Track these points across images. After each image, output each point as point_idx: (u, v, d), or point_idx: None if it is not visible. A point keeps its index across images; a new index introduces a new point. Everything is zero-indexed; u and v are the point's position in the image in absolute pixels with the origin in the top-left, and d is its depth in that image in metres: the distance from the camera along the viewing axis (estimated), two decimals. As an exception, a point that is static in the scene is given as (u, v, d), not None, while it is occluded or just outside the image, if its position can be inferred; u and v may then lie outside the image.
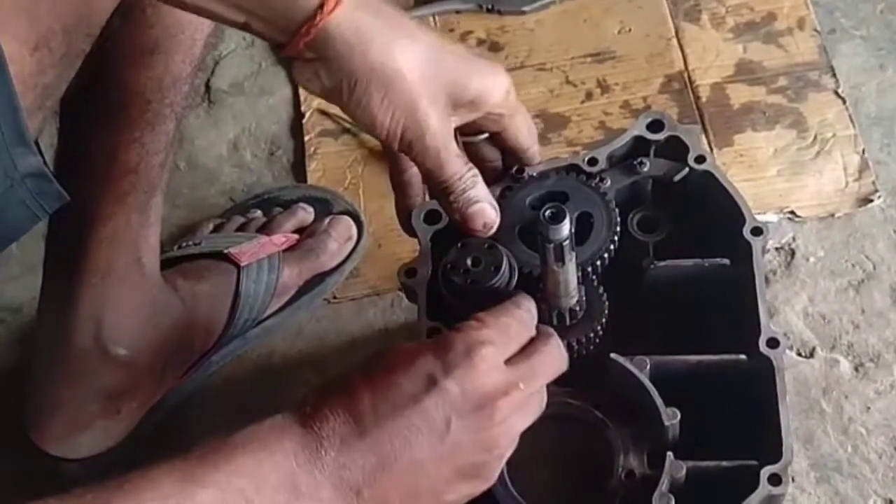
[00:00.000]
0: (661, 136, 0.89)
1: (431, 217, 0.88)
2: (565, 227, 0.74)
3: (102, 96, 0.99)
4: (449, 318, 0.84)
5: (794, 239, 1.20)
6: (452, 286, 0.82)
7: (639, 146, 0.91)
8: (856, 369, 1.13)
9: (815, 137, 1.26)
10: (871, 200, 1.21)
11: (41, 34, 0.71)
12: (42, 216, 0.82)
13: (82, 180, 1.00)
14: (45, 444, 1.11)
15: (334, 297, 1.23)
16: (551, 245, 0.74)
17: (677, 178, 0.88)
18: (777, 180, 1.24)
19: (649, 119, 0.90)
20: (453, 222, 0.83)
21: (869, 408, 1.10)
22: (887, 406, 1.10)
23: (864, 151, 1.24)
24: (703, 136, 1.26)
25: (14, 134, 0.76)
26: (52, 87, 0.76)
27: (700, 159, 0.88)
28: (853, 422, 1.10)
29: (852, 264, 1.19)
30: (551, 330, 0.77)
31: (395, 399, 0.70)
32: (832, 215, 1.21)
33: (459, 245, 0.82)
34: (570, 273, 0.78)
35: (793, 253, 1.20)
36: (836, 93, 1.29)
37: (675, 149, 0.89)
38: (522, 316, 0.77)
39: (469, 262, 0.82)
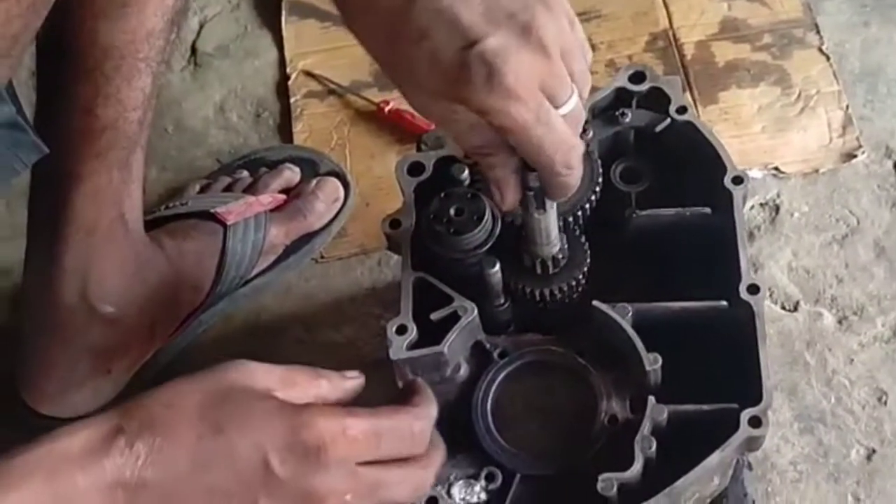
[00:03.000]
0: (643, 88, 0.90)
1: (415, 168, 0.88)
2: (546, 174, 0.74)
3: (77, 52, 0.99)
4: (432, 268, 0.85)
5: (778, 195, 1.21)
6: (436, 235, 0.83)
7: (621, 98, 0.91)
8: (839, 322, 1.14)
9: (799, 94, 1.26)
10: (855, 156, 1.22)
11: None
12: (21, 168, 0.82)
13: (62, 137, 1.00)
14: (37, 404, 1.12)
15: (322, 257, 1.24)
16: (531, 192, 0.75)
17: (659, 128, 0.89)
18: (761, 137, 1.24)
19: (631, 71, 0.91)
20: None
21: (852, 360, 1.11)
22: (870, 358, 1.11)
23: (847, 108, 1.25)
24: (688, 93, 1.26)
25: None
26: (19, 36, 0.75)
27: (681, 110, 0.89)
28: (836, 374, 1.11)
29: (836, 219, 1.19)
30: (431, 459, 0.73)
31: (221, 462, 0.67)
32: (816, 171, 1.22)
33: (442, 195, 0.83)
34: (551, 221, 0.78)
35: (777, 208, 1.20)
36: (821, 50, 1.29)
37: (657, 100, 0.90)
38: (403, 430, 0.73)
39: (452, 211, 0.83)
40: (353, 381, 0.76)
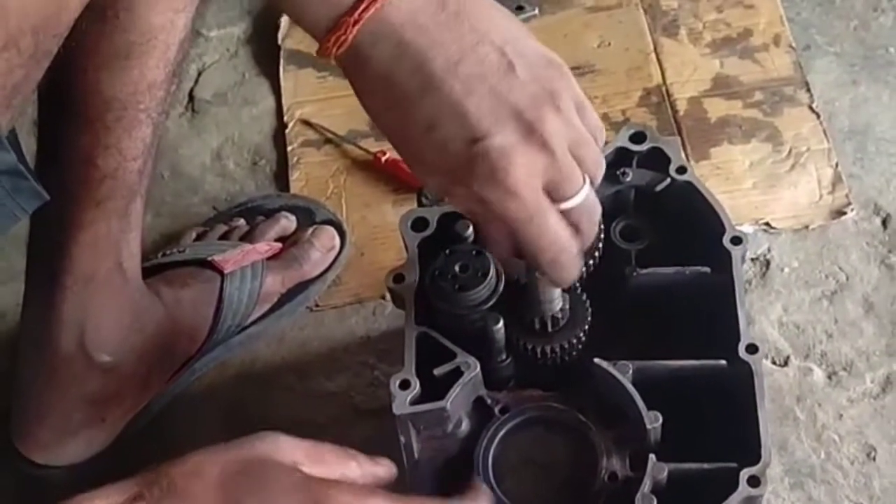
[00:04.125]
0: (643, 148, 0.91)
1: (419, 224, 0.89)
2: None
3: (79, 103, 1.00)
4: (434, 323, 0.86)
5: (769, 250, 1.23)
6: (440, 292, 0.84)
7: (621, 157, 0.93)
8: (829, 378, 1.15)
9: (789, 151, 1.29)
10: (845, 213, 1.24)
11: (10, 34, 0.71)
12: (21, 215, 0.82)
13: (62, 186, 1.01)
14: (30, 452, 1.12)
15: (317, 305, 1.24)
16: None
17: (659, 188, 0.90)
18: (753, 192, 1.26)
19: (632, 131, 0.92)
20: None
21: (841, 415, 1.13)
22: (859, 414, 1.13)
23: (837, 165, 1.27)
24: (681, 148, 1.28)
25: None
26: (20, 87, 0.76)
27: (681, 170, 0.90)
28: (826, 429, 1.12)
29: (826, 275, 1.21)
30: None
31: None
32: (806, 227, 1.24)
33: (447, 251, 0.84)
34: (553, 282, 0.80)
35: (768, 263, 1.22)
36: (811, 108, 1.31)
37: (657, 160, 0.91)
38: None
39: (457, 267, 0.84)
40: (383, 468, 0.77)
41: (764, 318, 1.18)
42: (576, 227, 0.75)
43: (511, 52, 0.72)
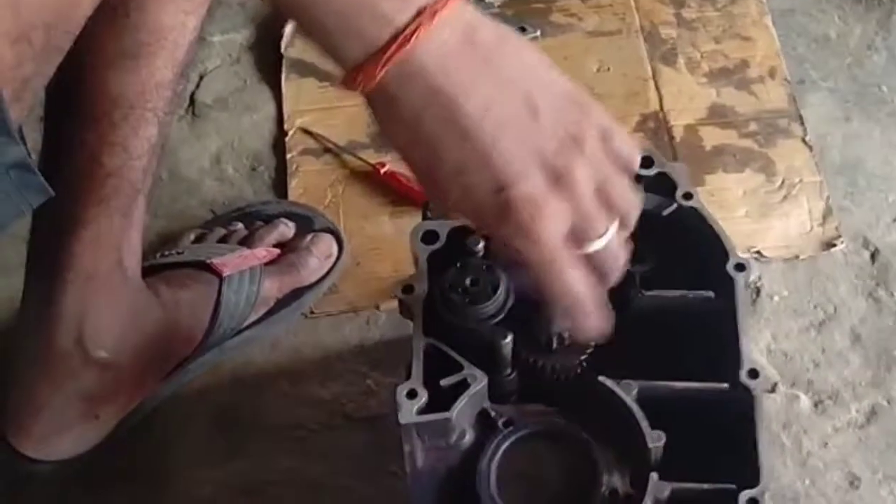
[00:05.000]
0: (650, 172, 0.93)
1: (429, 237, 0.91)
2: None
3: (86, 100, 1.01)
4: (440, 335, 0.87)
5: (759, 278, 1.25)
6: (450, 304, 0.85)
7: (628, 180, 0.94)
8: (815, 406, 1.17)
9: (782, 182, 1.31)
10: (835, 245, 1.26)
11: (22, 28, 0.72)
12: (27, 210, 0.82)
13: (65, 182, 1.02)
14: (21, 446, 1.12)
15: (312, 312, 1.25)
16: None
17: (666, 212, 0.92)
18: (745, 221, 1.29)
19: (639, 155, 0.93)
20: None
21: (826, 443, 1.15)
22: (844, 442, 1.15)
23: (828, 198, 1.29)
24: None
25: None
26: (30, 81, 0.76)
27: (688, 196, 0.92)
28: (811, 456, 1.14)
29: (814, 305, 1.23)
30: None
31: None
32: (797, 257, 1.26)
33: (458, 265, 0.86)
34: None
35: (758, 291, 1.24)
36: (804, 140, 1.34)
37: (663, 184, 0.93)
38: None
39: (468, 281, 0.85)
40: None
41: (753, 344, 1.20)
42: (599, 271, 0.76)
43: (538, 95, 0.72)
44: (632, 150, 0.76)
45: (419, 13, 0.69)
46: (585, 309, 0.76)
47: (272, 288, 1.21)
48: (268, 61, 1.42)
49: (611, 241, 0.76)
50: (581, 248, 0.74)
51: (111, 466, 1.16)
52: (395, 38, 0.69)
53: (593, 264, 0.76)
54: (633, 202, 0.77)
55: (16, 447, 1.12)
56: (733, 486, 0.80)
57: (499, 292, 0.85)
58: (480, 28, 0.72)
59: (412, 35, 0.69)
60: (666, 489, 0.80)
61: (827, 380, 1.19)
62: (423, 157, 0.73)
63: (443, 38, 0.70)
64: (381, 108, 0.73)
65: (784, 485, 1.12)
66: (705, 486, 0.81)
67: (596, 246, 0.74)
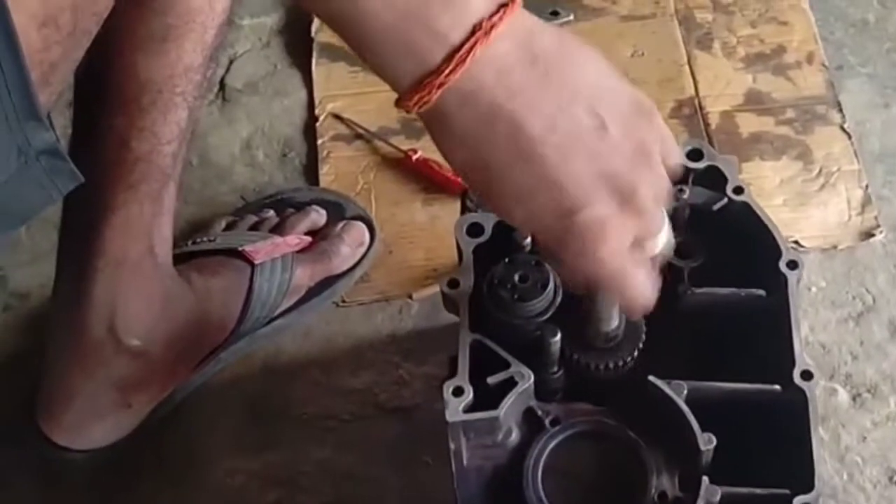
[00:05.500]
0: (700, 165, 0.91)
1: (474, 229, 0.89)
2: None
3: (114, 84, 0.99)
4: (486, 330, 0.85)
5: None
6: (498, 300, 0.83)
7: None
8: (853, 399, 1.16)
9: (820, 170, 1.29)
10: (873, 235, 1.24)
11: (49, 10, 0.70)
12: (57, 196, 0.81)
13: (95, 168, 1.00)
14: (53, 434, 1.11)
15: (343, 301, 1.24)
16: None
17: (716, 207, 0.90)
18: (782, 210, 1.27)
19: (689, 147, 0.92)
20: None
21: (865, 438, 1.13)
22: (882, 437, 1.13)
23: (867, 187, 1.27)
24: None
25: (26, 107, 0.73)
26: (58, 65, 0.75)
27: (738, 190, 0.91)
28: (849, 451, 1.13)
29: (853, 296, 1.22)
30: None
31: None
32: (835, 247, 1.24)
33: (507, 260, 0.84)
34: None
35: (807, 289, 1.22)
36: (842, 128, 1.32)
37: (713, 178, 0.91)
38: None
39: (516, 277, 0.83)
40: None
41: (791, 336, 1.19)
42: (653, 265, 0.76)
43: (602, 107, 0.69)
44: (680, 158, 0.76)
45: (475, 29, 0.66)
46: (649, 300, 0.75)
47: (304, 276, 1.20)
48: (298, 45, 1.40)
49: (665, 243, 0.75)
50: (644, 252, 0.73)
51: (143, 455, 1.16)
52: (450, 57, 0.66)
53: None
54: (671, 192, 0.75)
55: (48, 435, 1.11)
56: (786, 492, 0.79)
57: (548, 289, 0.83)
58: (538, 36, 0.68)
59: (468, 54, 0.66)
60: (717, 493, 0.79)
61: (865, 373, 1.17)
62: (483, 178, 0.70)
63: (500, 52, 0.67)
64: (439, 128, 0.69)
65: (822, 479, 1.10)
66: (758, 490, 0.80)
67: (657, 248, 0.73)
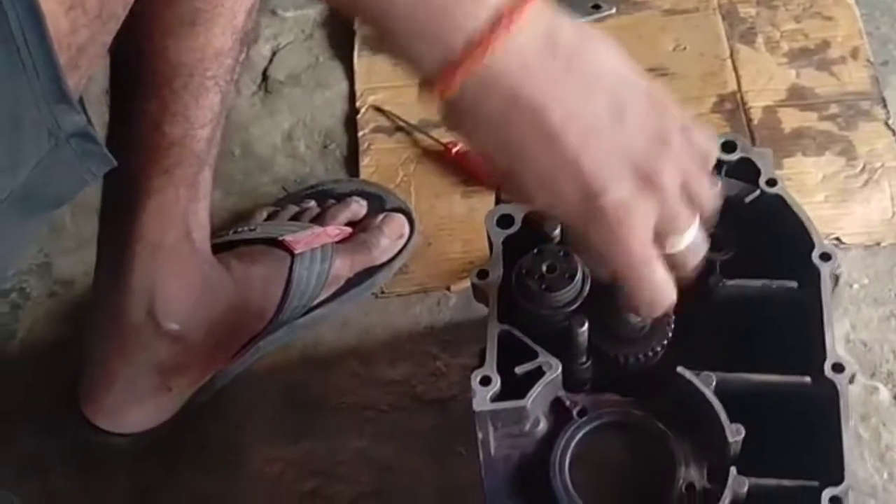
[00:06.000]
0: (733, 157, 0.91)
1: (504, 221, 0.89)
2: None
3: (145, 69, 1.00)
4: (516, 322, 0.86)
5: (838, 265, 1.22)
6: (527, 291, 0.84)
7: (710, 164, 0.92)
8: (894, 398, 1.14)
9: (863, 167, 1.28)
10: (917, 232, 1.23)
11: None
12: (90, 179, 0.82)
13: (131, 152, 1.02)
14: (95, 418, 1.13)
15: (382, 292, 1.25)
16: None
17: (748, 199, 0.90)
18: (824, 206, 1.26)
19: (722, 140, 0.92)
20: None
21: (906, 436, 1.12)
22: (923, 436, 1.12)
23: (911, 184, 1.26)
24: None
25: (55, 90, 0.74)
26: (86, 48, 0.75)
27: (771, 182, 0.90)
28: (890, 449, 1.11)
29: (895, 294, 1.20)
30: None
31: None
32: (878, 244, 1.23)
33: (535, 251, 0.84)
34: (649, 286, 0.79)
35: (837, 279, 1.21)
36: (887, 124, 1.30)
37: (746, 170, 0.91)
38: None
39: (544, 268, 0.84)
40: None
41: (831, 333, 1.18)
42: (680, 264, 0.75)
43: (622, 96, 0.70)
44: (710, 143, 0.75)
45: (496, 20, 0.67)
46: (667, 301, 0.75)
47: (343, 267, 1.21)
48: (340, 37, 1.41)
49: (694, 239, 0.75)
50: (666, 247, 0.73)
51: (182, 443, 1.17)
52: (471, 45, 0.66)
53: (674, 259, 0.75)
54: (712, 197, 0.75)
55: (90, 419, 1.13)
56: (816, 484, 0.79)
57: (576, 279, 0.83)
58: (560, 29, 0.69)
59: (489, 43, 0.66)
60: (745, 484, 0.79)
61: (907, 371, 1.16)
62: (506, 164, 0.71)
63: (521, 43, 0.67)
64: (461, 115, 0.70)
65: (861, 479, 1.09)
66: (786, 482, 0.79)
67: (681, 245, 0.73)
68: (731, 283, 0.87)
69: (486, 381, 0.82)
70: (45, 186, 0.78)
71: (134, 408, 1.13)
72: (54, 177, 0.77)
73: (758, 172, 0.90)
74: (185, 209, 1.07)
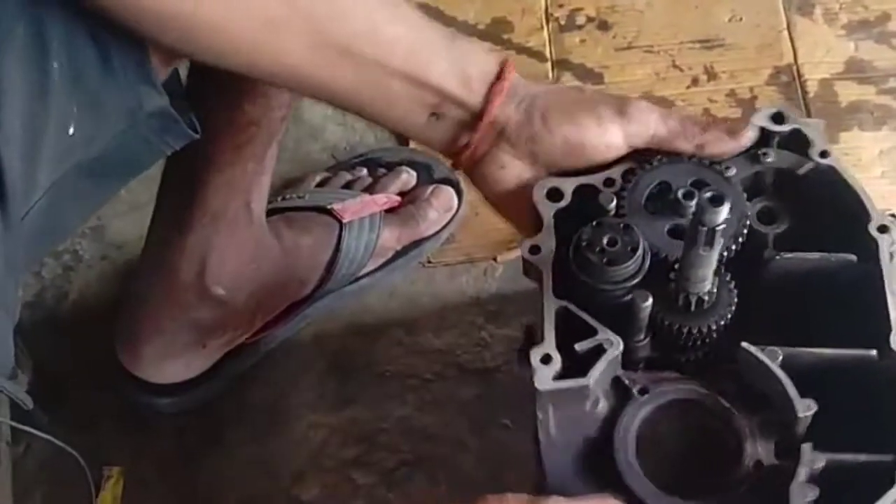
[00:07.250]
0: (784, 129, 0.89)
1: (554, 194, 0.87)
2: (724, 212, 0.74)
3: None
4: (571, 296, 0.83)
5: (893, 241, 1.20)
6: (586, 264, 0.82)
7: (762, 137, 0.90)
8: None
9: (922, 142, 1.26)
10: (976, 209, 1.21)
11: None
12: (168, 151, 0.86)
13: (206, 127, 1.01)
14: (131, 366, 1.14)
15: (429, 262, 1.24)
16: (705, 228, 0.74)
17: (802, 171, 0.88)
18: (881, 182, 1.24)
19: (772, 111, 0.89)
20: None
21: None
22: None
23: (971, 161, 1.24)
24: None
25: (140, 72, 0.78)
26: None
27: (824, 154, 0.88)
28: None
29: (952, 271, 1.18)
30: None
31: None
32: (935, 222, 1.21)
33: (595, 223, 0.82)
34: (713, 259, 0.78)
35: (892, 256, 1.19)
36: (947, 99, 1.28)
37: (797, 142, 0.89)
38: None
39: (605, 240, 0.82)
40: None
41: (887, 311, 1.15)
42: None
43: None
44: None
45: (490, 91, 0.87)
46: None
47: (391, 239, 1.20)
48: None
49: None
50: None
51: (228, 407, 1.17)
52: (474, 121, 0.87)
53: None
54: None
55: (126, 366, 1.15)
56: (890, 458, 0.76)
57: (637, 253, 0.81)
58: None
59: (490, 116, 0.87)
60: (821, 460, 0.76)
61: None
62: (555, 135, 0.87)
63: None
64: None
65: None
66: (861, 457, 0.77)
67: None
68: (787, 256, 0.85)
69: (546, 359, 0.79)
70: (120, 157, 0.79)
71: (169, 361, 1.14)
72: (130, 149, 0.79)
73: (808, 144, 0.88)
74: (249, 182, 1.08)
